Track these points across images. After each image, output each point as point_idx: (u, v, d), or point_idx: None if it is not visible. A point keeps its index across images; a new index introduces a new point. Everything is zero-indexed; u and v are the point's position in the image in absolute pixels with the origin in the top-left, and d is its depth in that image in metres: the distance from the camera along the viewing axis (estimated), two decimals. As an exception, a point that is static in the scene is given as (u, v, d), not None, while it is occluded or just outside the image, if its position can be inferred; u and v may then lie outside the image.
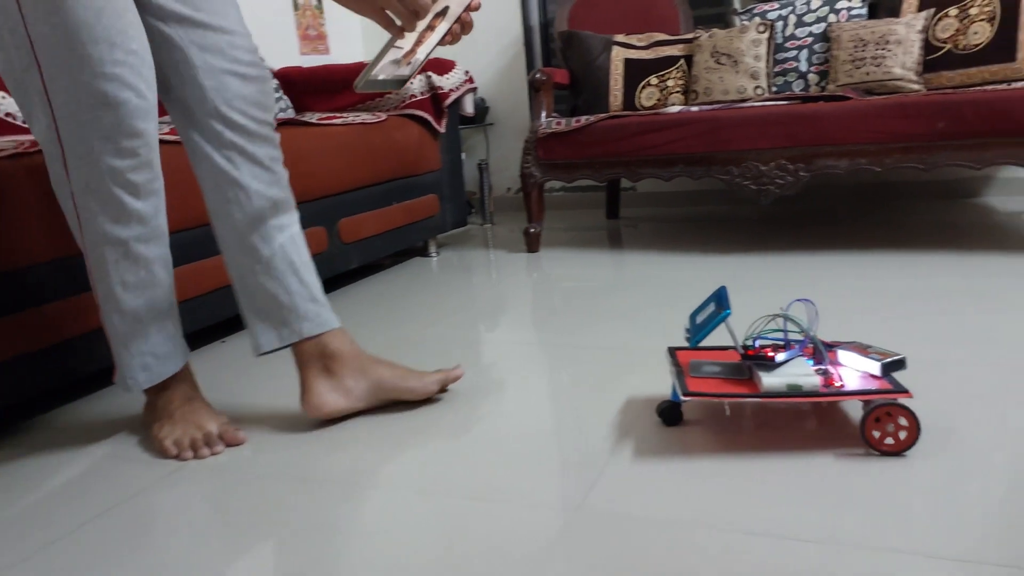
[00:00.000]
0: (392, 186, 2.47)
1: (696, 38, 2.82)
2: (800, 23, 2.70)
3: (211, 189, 1.27)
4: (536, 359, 1.58)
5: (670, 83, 2.84)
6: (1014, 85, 2.13)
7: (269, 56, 3.13)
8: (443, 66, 2.70)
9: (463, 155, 3.45)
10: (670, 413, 1.21)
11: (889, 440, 1.05)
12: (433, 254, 2.81)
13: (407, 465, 1.15)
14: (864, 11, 2.67)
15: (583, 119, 2.53)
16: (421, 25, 1.07)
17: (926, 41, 2.48)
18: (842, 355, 1.15)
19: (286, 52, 3.27)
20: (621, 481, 1.04)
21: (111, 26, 1.07)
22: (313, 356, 1.30)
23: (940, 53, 2.46)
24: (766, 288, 1.96)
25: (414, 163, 2.53)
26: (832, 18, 2.67)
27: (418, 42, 1.10)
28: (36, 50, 1.06)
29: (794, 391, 1.08)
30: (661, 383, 1.38)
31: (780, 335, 1.18)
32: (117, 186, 1.14)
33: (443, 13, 1.09)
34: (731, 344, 1.40)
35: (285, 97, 2.68)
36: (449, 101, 2.67)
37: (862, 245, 2.36)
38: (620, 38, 2.95)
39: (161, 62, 1.20)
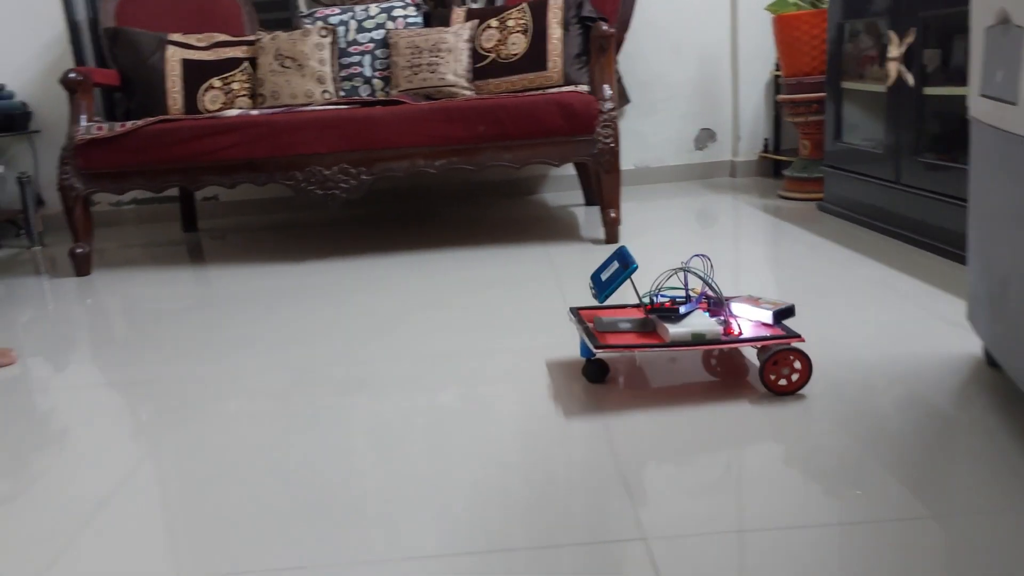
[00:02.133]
0: None
1: (259, 40, 2.70)
2: (361, 28, 2.73)
3: None
4: (76, 403, 1.34)
5: (235, 86, 2.68)
6: (543, 92, 2.36)
7: None
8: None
9: (-4, 168, 2.94)
10: (594, 370, 1.24)
11: (783, 382, 1.15)
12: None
13: None
14: (420, 20, 2.78)
15: (128, 124, 2.27)
16: None
17: (474, 50, 2.65)
18: (736, 307, 1.22)
19: None
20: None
21: None
22: None
23: (487, 62, 2.64)
24: (345, 292, 1.92)
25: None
26: (390, 25, 2.73)
27: None
28: None
29: (698, 339, 1.17)
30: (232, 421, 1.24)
31: (680, 291, 1.24)
32: None
33: None
34: (628, 303, 1.40)
35: None
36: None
37: (431, 244, 2.44)
38: (176, 37, 2.71)
39: None
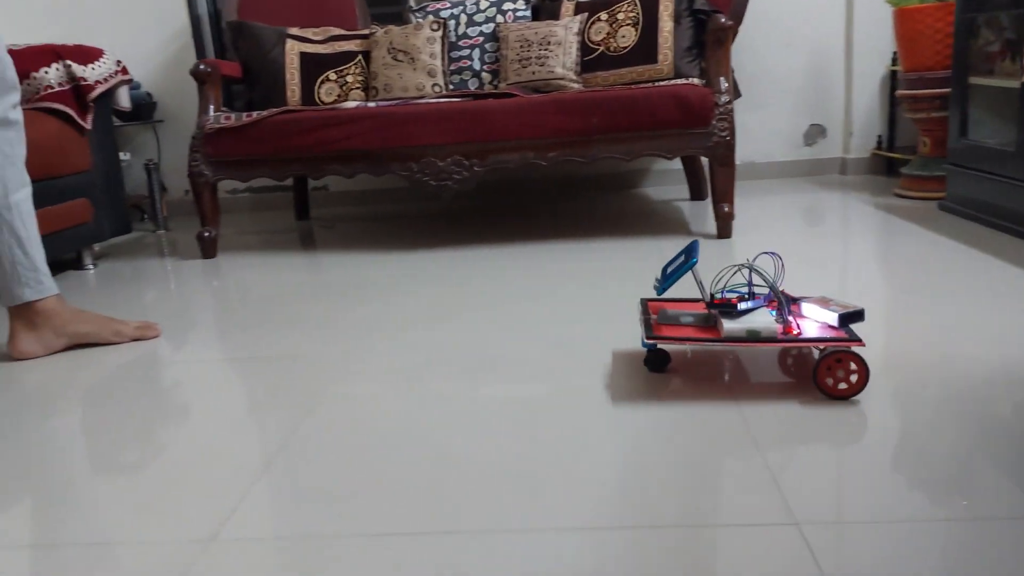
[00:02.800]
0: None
1: (372, 34, 2.78)
2: (471, 22, 2.77)
3: None
4: (221, 377, 1.42)
5: (349, 79, 2.76)
6: (657, 84, 2.35)
7: None
8: (87, 54, 2.38)
9: (126, 155, 3.10)
10: (655, 360, 1.28)
11: (842, 385, 1.12)
12: (89, 266, 2.47)
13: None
14: (528, 13, 2.80)
15: (255, 114, 2.37)
16: None
17: (583, 43, 2.66)
18: (805, 307, 1.22)
19: None
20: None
21: None
22: (22, 313, 1.62)
23: (595, 55, 2.65)
24: (457, 281, 1.97)
25: (53, 164, 2.19)
26: (500, 19, 2.77)
27: None
28: None
29: (752, 336, 1.17)
30: (364, 393, 1.30)
31: (763, 288, 1.23)
32: None
33: None
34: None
35: None
36: (95, 94, 2.36)
37: (540, 235, 2.47)
38: (294, 31, 2.81)
39: None
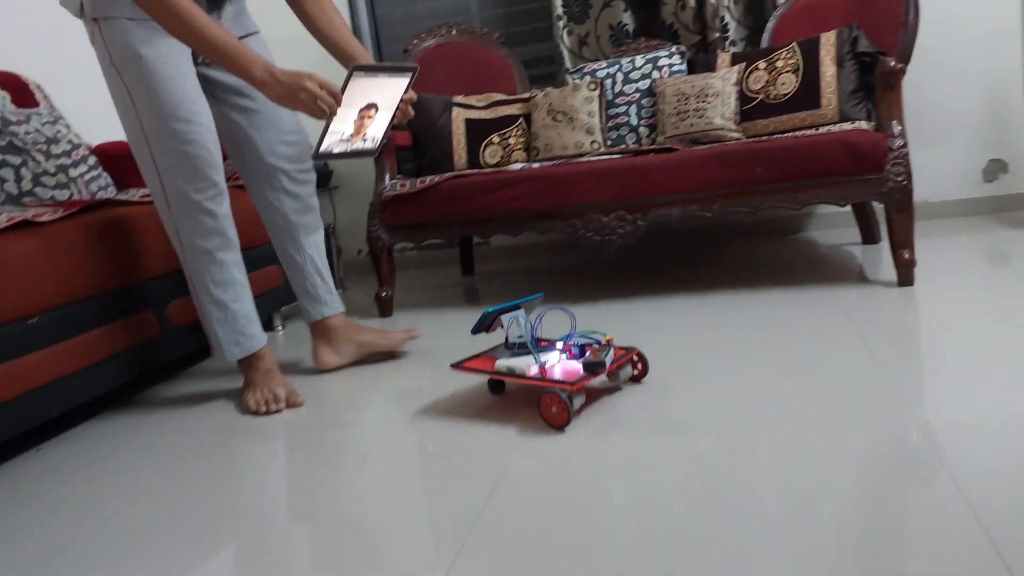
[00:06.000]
0: (231, 260, 2.34)
1: (532, 97, 2.90)
2: (627, 80, 2.83)
3: (266, 218, 1.99)
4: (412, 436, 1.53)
5: (511, 141, 2.89)
6: (821, 130, 2.30)
7: (88, 131, 2.94)
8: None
9: (309, 221, 3.36)
10: (492, 385, 1.68)
11: (554, 409, 1.42)
12: (279, 328, 2.69)
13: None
14: (684, 67, 2.83)
15: (427, 180, 2.52)
16: (349, 116, 1.55)
17: (741, 92, 2.65)
18: (551, 357, 1.52)
19: (107, 126, 3.08)
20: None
21: (189, 109, 1.69)
22: (321, 330, 2.04)
23: (755, 103, 2.63)
24: (622, 333, 2.00)
25: (252, 235, 2.42)
26: (655, 75, 2.81)
27: (360, 127, 1.59)
28: (144, 129, 1.69)
29: (509, 372, 1.50)
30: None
31: (573, 336, 1.60)
32: (200, 212, 1.74)
33: (373, 106, 1.59)
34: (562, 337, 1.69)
35: (105, 174, 2.51)
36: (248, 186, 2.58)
37: (706, 286, 2.46)
38: (459, 99, 2.98)
39: (229, 134, 1.91)
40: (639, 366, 1.64)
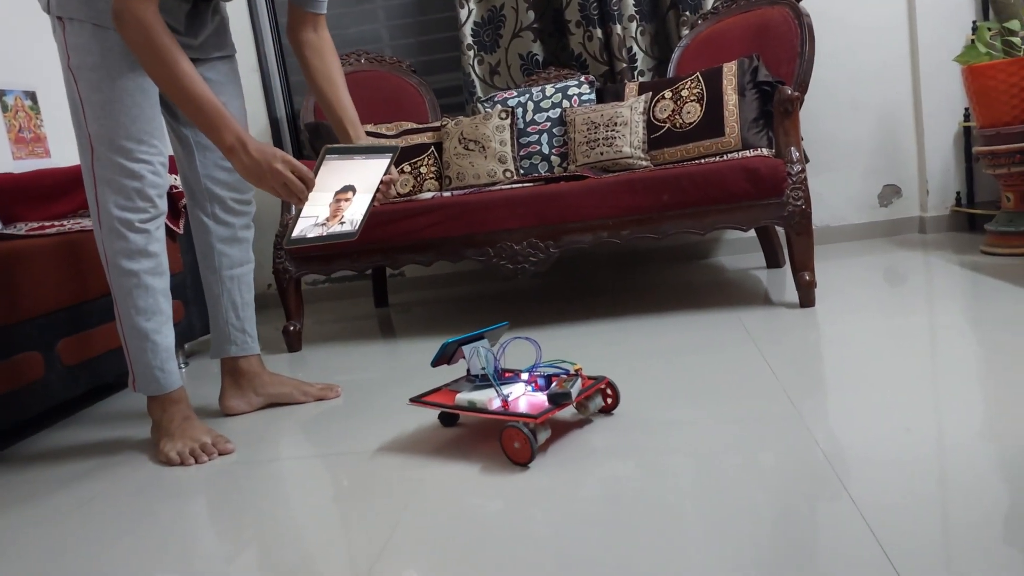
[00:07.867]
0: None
1: (443, 125, 2.89)
2: (538, 108, 2.86)
3: (194, 238, 1.89)
4: (312, 472, 1.46)
5: (423, 170, 2.86)
6: (724, 157, 2.36)
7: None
8: (174, 163, 2.52)
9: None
10: (443, 418, 1.62)
11: (517, 444, 1.34)
12: (182, 364, 2.57)
13: None
14: (593, 96, 2.87)
15: (335, 210, 2.47)
16: (323, 199, 1.44)
17: (649, 121, 2.70)
18: (517, 389, 1.46)
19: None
20: None
21: (144, 128, 1.59)
22: (230, 370, 1.93)
23: (662, 132, 2.68)
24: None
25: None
26: (566, 103, 2.84)
27: (336, 210, 1.48)
28: (92, 138, 1.58)
29: (470, 406, 1.43)
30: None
31: (539, 366, 1.51)
32: (132, 231, 1.61)
33: (350, 188, 1.47)
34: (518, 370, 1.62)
35: (-11, 207, 2.36)
36: (185, 201, 2.49)
37: (616, 312, 2.47)
38: (370, 128, 2.94)
39: (177, 146, 1.84)
40: (610, 397, 1.55)
